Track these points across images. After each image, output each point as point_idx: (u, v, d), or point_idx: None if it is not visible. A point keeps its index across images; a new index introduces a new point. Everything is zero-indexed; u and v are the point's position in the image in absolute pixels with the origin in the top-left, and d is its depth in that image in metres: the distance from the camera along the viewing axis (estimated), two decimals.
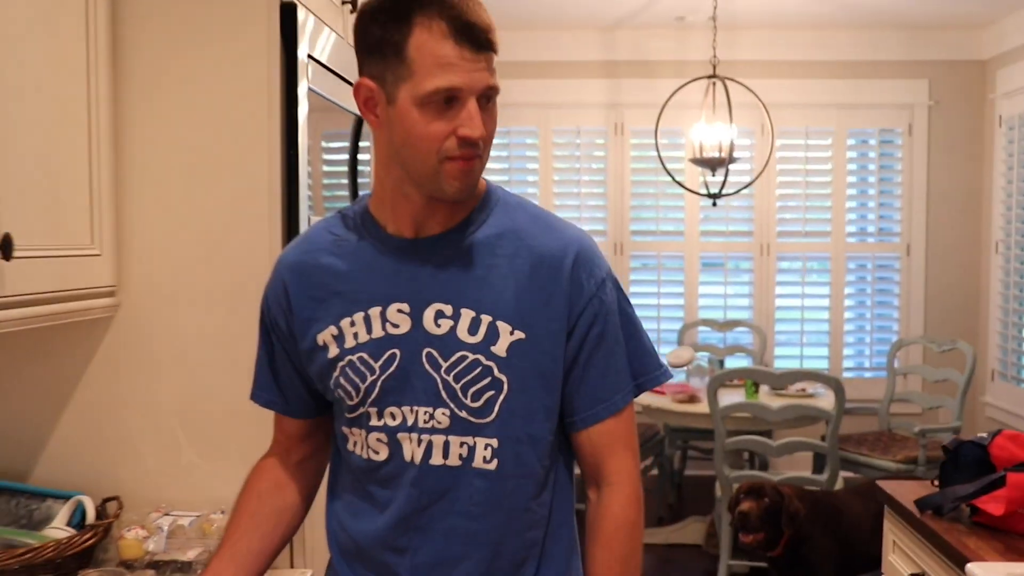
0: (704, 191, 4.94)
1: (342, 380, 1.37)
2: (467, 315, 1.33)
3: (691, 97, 4.84)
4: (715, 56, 4.68)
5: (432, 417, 1.34)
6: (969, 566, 1.85)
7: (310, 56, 1.89)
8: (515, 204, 1.43)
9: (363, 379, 1.35)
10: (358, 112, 2.23)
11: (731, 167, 4.87)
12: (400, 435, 1.35)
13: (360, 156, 2.29)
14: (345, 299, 1.37)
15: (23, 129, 1.53)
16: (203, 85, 1.82)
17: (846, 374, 5.75)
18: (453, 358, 1.33)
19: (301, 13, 1.83)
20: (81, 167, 1.72)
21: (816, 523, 3.50)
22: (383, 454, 1.37)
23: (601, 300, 1.37)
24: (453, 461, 1.35)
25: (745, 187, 5.04)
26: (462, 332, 1.33)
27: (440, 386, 1.33)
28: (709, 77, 4.69)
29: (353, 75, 2.16)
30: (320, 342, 1.38)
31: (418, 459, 1.35)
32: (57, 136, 1.65)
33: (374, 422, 1.36)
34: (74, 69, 1.69)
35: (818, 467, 4.48)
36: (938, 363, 5.32)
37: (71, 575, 1.66)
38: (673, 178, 5.00)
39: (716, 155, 4.65)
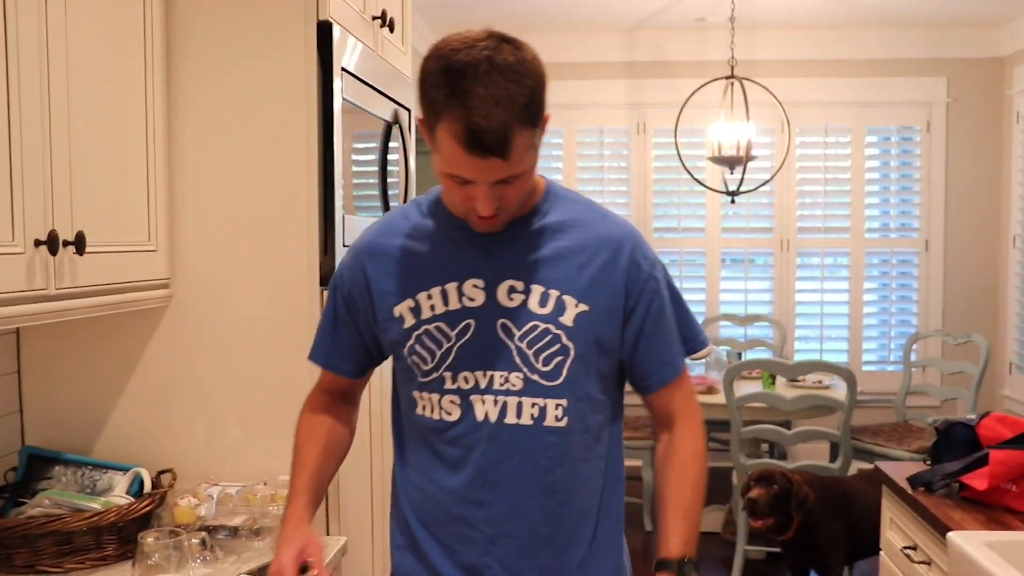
0: (723, 189, 5.07)
1: (418, 347, 1.51)
2: (537, 290, 1.50)
3: (711, 97, 4.97)
4: (733, 57, 4.80)
5: (507, 380, 1.49)
6: (950, 535, 1.99)
7: (343, 68, 2.06)
8: (572, 197, 1.60)
9: (439, 346, 1.50)
10: (387, 119, 2.41)
11: (751, 165, 5.00)
12: (473, 397, 1.50)
13: (390, 157, 2.46)
14: (422, 276, 1.53)
15: (94, 141, 1.72)
16: (248, 95, 2.00)
17: (866, 367, 5.85)
18: (526, 327, 1.49)
19: (336, 30, 2.00)
20: (140, 173, 1.90)
21: (826, 508, 3.62)
22: (455, 415, 1.52)
23: (656, 279, 1.56)
24: (526, 420, 1.50)
25: (763, 184, 5.16)
26: (533, 305, 1.50)
27: (515, 352, 1.49)
28: (727, 78, 4.82)
29: (381, 85, 2.34)
30: (396, 314, 1.53)
31: (493, 418, 1.50)
32: (119, 146, 1.83)
33: (448, 385, 1.51)
34: (133, 86, 1.87)
35: (834, 456, 4.61)
36: (954, 356, 5.42)
37: (132, 537, 1.84)
38: (693, 176, 5.13)
39: (734, 153, 4.77)
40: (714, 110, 4.98)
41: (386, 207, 2.45)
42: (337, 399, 1.70)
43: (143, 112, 1.90)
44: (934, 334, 5.38)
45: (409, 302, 1.53)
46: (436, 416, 1.53)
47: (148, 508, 1.91)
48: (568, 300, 1.50)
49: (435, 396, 1.53)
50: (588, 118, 5.82)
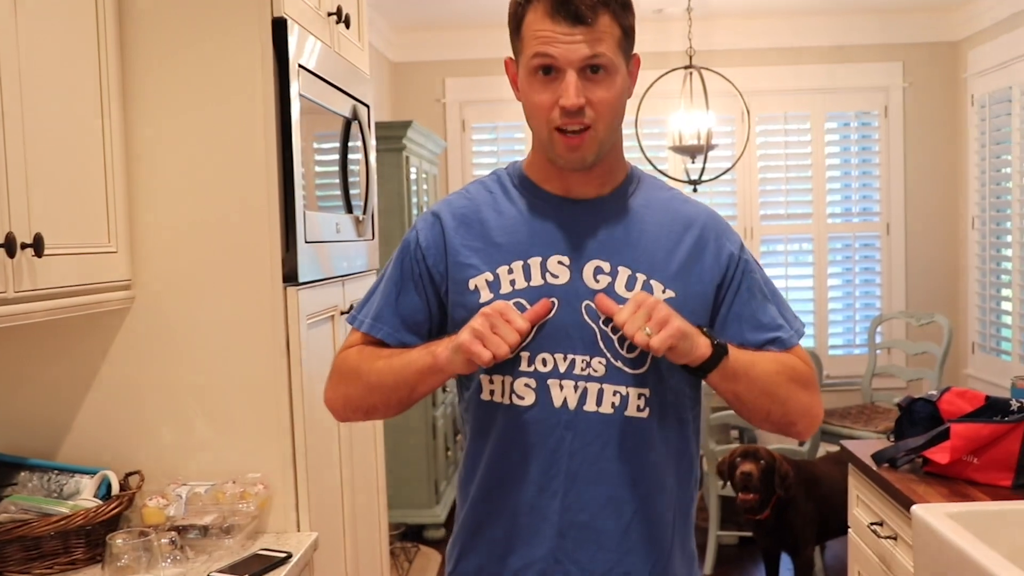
0: (685, 178, 5.11)
1: None
2: (624, 272, 1.44)
3: (671, 87, 5.00)
4: (691, 47, 4.84)
5: (588, 365, 1.42)
6: (913, 508, 2.02)
7: (300, 65, 2.06)
8: (656, 182, 1.57)
9: None
10: (346, 115, 2.41)
11: (713, 153, 5.04)
12: (550, 381, 1.42)
13: (350, 156, 2.46)
14: (503, 249, 1.46)
15: (50, 142, 1.70)
16: (205, 94, 1.99)
17: (832, 351, 5.92)
18: None
19: (291, 26, 2.00)
20: (98, 174, 1.89)
21: (799, 488, 3.67)
22: (528, 399, 1.43)
23: (745, 260, 1.51)
24: (606, 409, 1.42)
25: (724, 173, 5.20)
26: (620, 287, 1.43)
27: (598, 336, 1.42)
28: (686, 68, 4.85)
29: (340, 81, 2.34)
30: (472, 286, 1.45)
31: (572, 404, 1.42)
32: (76, 146, 1.82)
33: (523, 367, 1.43)
34: (88, 86, 1.86)
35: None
36: (918, 337, 5.50)
37: (100, 540, 1.84)
38: (654, 166, 5.16)
39: (695, 143, 4.81)
40: (674, 100, 5.01)
41: (348, 203, 2.45)
42: None
43: (99, 112, 1.90)
44: (898, 316, 5.45)
45: (487, 275, 1.45)
46: (507, 400, 1.45)
47: (116, 510, 1.90)
48: (656, 285, 1.44)
49: (507, 379, 1.44)
50: None
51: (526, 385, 1.44)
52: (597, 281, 1.44)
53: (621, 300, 1.41)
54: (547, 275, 1.44)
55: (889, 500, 2.28)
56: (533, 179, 1.51)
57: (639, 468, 1.45)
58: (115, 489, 1.96)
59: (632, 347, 1.41)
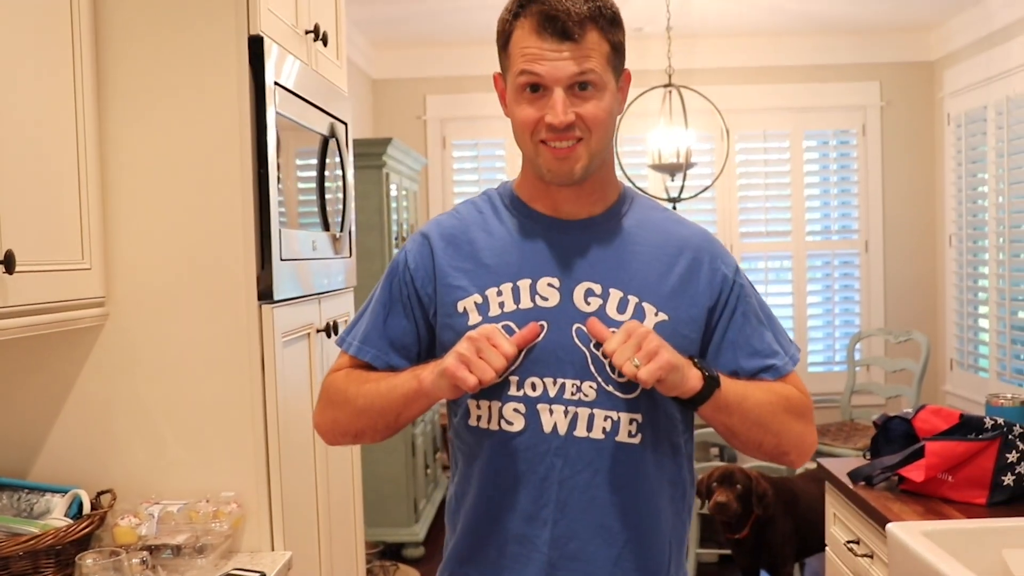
0: (665, 196, 5.13)
1: None
2: (615, 295, 1.41)
3: (650, 105, 5.03)
4: (670, 66, 4.87)
5: (579, 389, 1.39)
6: (889, 526, 2.03)
7: (277, 83, 2.06)
8: (649, 203, 1.54)
9: None
10: (324, 133, 2.41)
11: (693, 171, 5.06)
12: (540, 406, 1.39)
13: (326, 173, 2.46)
14: (492, 271, 1.43)
15: (22, 158, 1.69)
16: (181, 111, 1.98)
17: (812, 369, 5.94)
18: None
19: (267, 44, 2.00)
20: (71, 190, 1.88)
21: (778, 506, 3.67)
22: (518, 425, 1.40)
23: (740, 284, 1.47)
24: (597, 434, 1.39)
25: (703, 191, 5.23)
26: (611, 310, 1.40)
27: (589, 360, 1.39)
28: (665, 86, 4.88)
29: (317, 99, 2.35)
30: (460, 308, 1.43)
31: (562, 430, 1.39)
32: (50, 162, 1.81)
33: (512, 391, 1.40)
34: (63, 102, 1.85)
35: None
36: (897, 354, 5.53)
37: (70, 560, 1.82)
38: (634, 184, 5.16)
39: (675, 161, 4.83)
40: (654, 118, 5.04)
41: (324, 221, 2.44)
42: None
43: (73, 128, 1.89)
44: (876, 333, 5.48)
45: (476, 297, 1.43)
46: (495, 426, 1.42)
47: (87, 530, 1.88)
48: (648, 308, 1.41)
49: (495, 404, 1.41)
50: None
51: (515, 410, 1.41)
52: (588, 304, 1.41)
53: (613, 323, 1.39)
54: (537, 298, 1.42)
55: (865, 518, 2.29)
56: (523, 199, 1.50)
57: (631, 496, 1.42)
58: (86, 508, 1.94)
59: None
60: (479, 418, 1.44)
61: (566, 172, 1.40)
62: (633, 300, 1.42)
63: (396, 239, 4.70)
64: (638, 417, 1.41)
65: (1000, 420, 2.24)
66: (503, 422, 1.41)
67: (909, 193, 5.89)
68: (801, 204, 5.91)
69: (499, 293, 1.43)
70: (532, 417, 1.40)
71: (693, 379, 1.34)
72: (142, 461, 2.03)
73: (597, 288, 1.42)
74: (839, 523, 2.54)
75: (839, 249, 6.00)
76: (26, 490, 1.96)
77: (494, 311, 1.42)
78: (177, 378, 2.02)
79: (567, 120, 1.35)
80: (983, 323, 5.30)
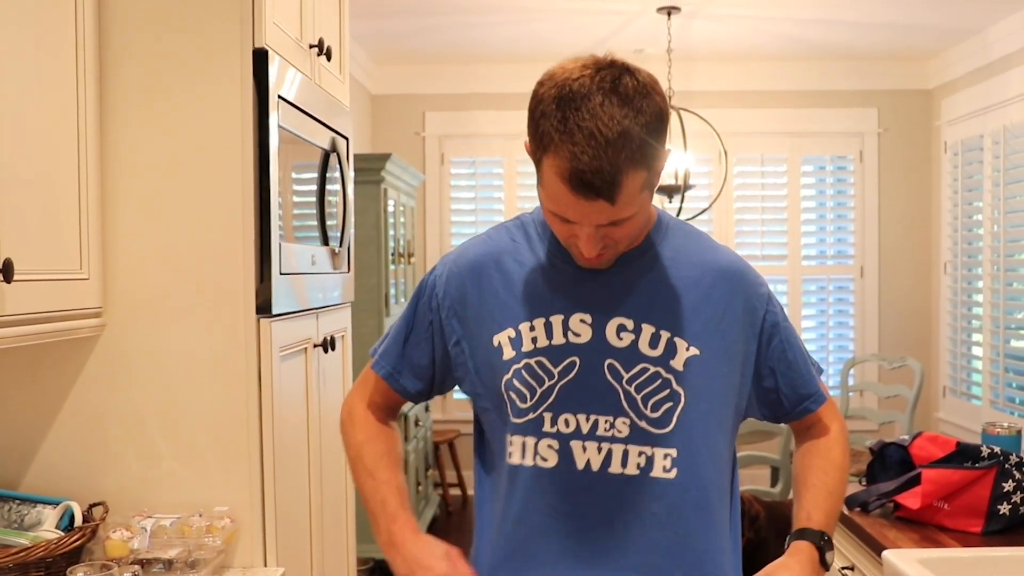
0: None
1: (516, 382, 1.40)
2: (647, 330, 1.39)
3: None
4: (670, 88, 4.88)
5: (612, 426, 1.37)
6: (884, 553, 2.02)
7: (280, 96, 2.06)
8: (682, 229, 1.50)
9: (540, 383, 1.39)
10: (325, 147, 2.41)
11: (691, 193, 5.07)
12: (573, 443, 1.38)
13: (328, 187, 2.45)
14: (525, 304, 1.42)
15: (23, 166, 1.69)
16: (183, 123, 1.98)
17: None
18: (635, 370, 1.38)
19: (272, 58, 2.00)
20: (71, 200, 1.87)
21: (771, 529, 3.66)
22: (551, 461, 1.39)
23: (774, 313, 1.48)
24: (631, 470, 1.38)
25: (701, 213, 5.24)
26: (643, 346, 1.39)
27: (621, 396, 1.38)
28: None
29: (319, 113, 2.34)
30: (495, 343, 1.42)
31: (596, 466, 1.38)
32: (50, 171, 1.80)
33: (547, 428, 1.39)
34: (65, 112, 1.85)
35: (775, 480, 4.66)
36: (890, 380, 5.53)
37: (61, 573, 1.80)
38: None
39: (673, 182, 4.84)
40: None
41: (324, 235, 2.44)
42: (388, 413, 1.59)
43: (75, 138, 1.88)
44: (870, 359, 5.48)
45: (510, 331, 1.42)
46: (529, 462, 1.40)
47: (78, 542, 1.86)
48: (679, 343, 1.40)
49: (531, 440, 1.40)
50: None
51: (549, 446, 1.40)
52: (620, 339, 1.40)
53: (645, 358, 1.39)
54: (569, 333, 1.41)
55: (860, 544, 2.28)
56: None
57: (670, 535, 1.40)
58: (78, 520, 1.92)
59: (656, 407, 1.38)
60: (511, 454, 1.43)
61: (596, 266, 1.41)
62: (665, 335, 1.40)
63: (393, 255, 4.70)
64: (672, 452, 1.39)
65: (996, 449, 2.24)
66: (538, 458, 1.41)
67: (905, 220, 5.91)
68: (797, 228, 5.93)
69: (532, 328, 1.42)
70: (565, 453, 1.39)
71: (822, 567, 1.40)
72: (136, 473, 2.01)
73: (629, 324, 1.41)
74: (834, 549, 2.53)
75: (834, 274, 6.01)
76: (17, 501, 1.94)
77: (527, 347, 1.41)
78: (173, 390, 2.01)
79: (598, 251, 1.34)
80: (977, 351, 5.31)
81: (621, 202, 1.26)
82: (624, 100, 1.24)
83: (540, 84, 1.31)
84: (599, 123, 1.22)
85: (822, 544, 1.41)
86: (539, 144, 1.28)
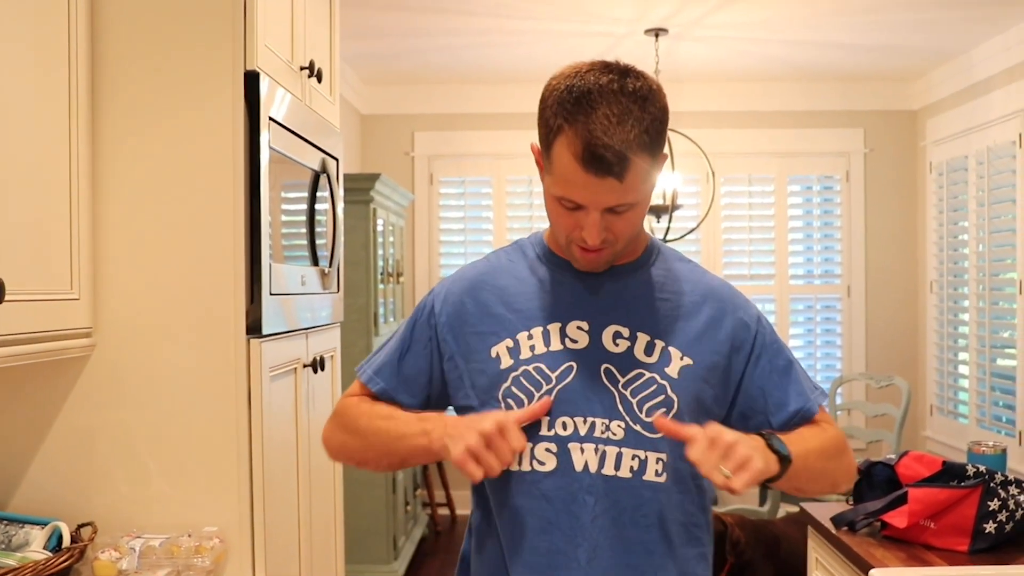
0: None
1: (514, 389, 1.43)
2: (643, 338, 1.45)
3: None
4: None
5: (608, 428, 1.41)
6: (872, 572, 2.03)
7: (271, 118, 2.07)
8: (673, 253, 1.57)
9: (538, 388, 1.43)
10: (315, 168, 2.42)
11: (679, 213, 5.10)
12: (571, 444, 1.41)
13: (317, 207, 2.46)
14: (523, 315, 1.47)
15: (14, 187, 1.70)
16: (174, 144, 1.99)
17: None
18: (631, 374, 1.43)
19: (263, 80, 2.02)
20: (63, 221, 1.88)
21: (758, 550, 3.67)
22: (550, 464, 1.42)
23: (763, 334, 1.51)
24: (624, 472, 1.41)
25: (689, 233, 5.27)
26: (639, 352, 1.44)
27: (617, 399, 1.42)
28: None
29: (309, 135, 2.36)
30: (494, 354, 1.46)
31: (593, 468, 1.41)
32: (42, 192, 1.81)
33: (544, 431, 1.42)
34: (57, 132, 1.86)
35: (764, 499, 4.67)
36: (877, 399, 5.55)
37: None
38: None
39: (661, 202, 4.87)
40: None
41: (314, 255, 2.45)
42: None
43: (67, 159, 1.89)
44: (858, 377, 5.51)
45: (508, 342, 1.47)
46: (527, 467, 1.43)
47: (66, 563, 1.86)
48: (673, 352, 1.45)
49: (528, 444, 1.41)
50: (518, 168, 5.86)
51: (547, 450, 1.43)
52: (616, 345, 1.45)
53: (641, 364, 1.44)
54: (567, 340, 1.45)
55: (848, 564, 2.29)
56: (554, 249, 1.53)
57: (658, 537, 1.44)
58: (66, 541, 1.92)
59: (651, 411, 1.42)
60: (515, 459, 1.42)
61: (593, 266, 1.46)
62: (660, 344, 1.45)
63: (382, 274, 4.71)
64: (663, 456, 1.43)
65: (982, 468, 2.25)
66: (535, 462, 1.43)
67: (891, 239, 5.95)
68: (784, 248, 5.96)
69: (530, 337, 1.46)
70: (564, 456, 1.42)
71: (771, 464, 1.34)
72: (125, 494, 2.01)
73: (625, 331, 1.46)
74: (821, 568, 2.54)
75: (821, 293, 6.04)
76: (5, 521, 1.94)
77: (525, 354, 1.45)
78: (163, 411, 2.01)
79: (600, 241, 1.39)
80: (963, 369, 5.34)
81: (628, 182, 1.32)
82: (632, 97, 1.32)
83: (551, 79, 1.38)
84: (611, 107, 1.30)
85: (765, 434, 1.38)
86: (550, 129, 1.35)
